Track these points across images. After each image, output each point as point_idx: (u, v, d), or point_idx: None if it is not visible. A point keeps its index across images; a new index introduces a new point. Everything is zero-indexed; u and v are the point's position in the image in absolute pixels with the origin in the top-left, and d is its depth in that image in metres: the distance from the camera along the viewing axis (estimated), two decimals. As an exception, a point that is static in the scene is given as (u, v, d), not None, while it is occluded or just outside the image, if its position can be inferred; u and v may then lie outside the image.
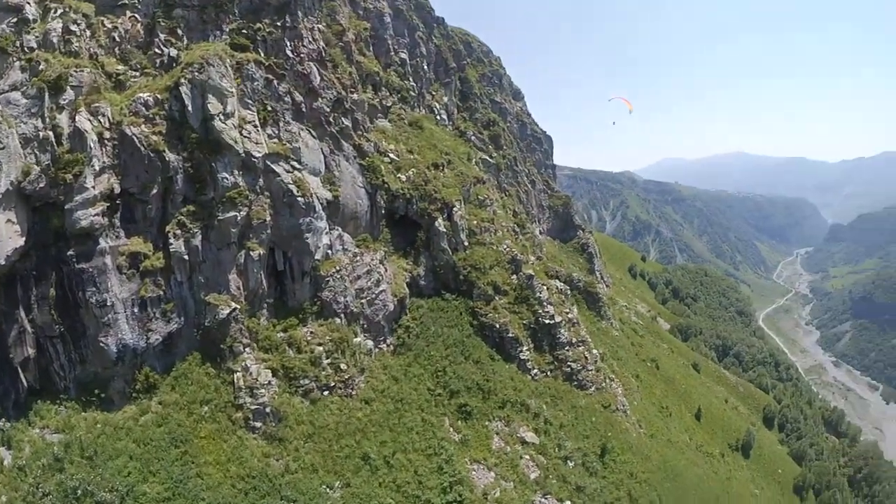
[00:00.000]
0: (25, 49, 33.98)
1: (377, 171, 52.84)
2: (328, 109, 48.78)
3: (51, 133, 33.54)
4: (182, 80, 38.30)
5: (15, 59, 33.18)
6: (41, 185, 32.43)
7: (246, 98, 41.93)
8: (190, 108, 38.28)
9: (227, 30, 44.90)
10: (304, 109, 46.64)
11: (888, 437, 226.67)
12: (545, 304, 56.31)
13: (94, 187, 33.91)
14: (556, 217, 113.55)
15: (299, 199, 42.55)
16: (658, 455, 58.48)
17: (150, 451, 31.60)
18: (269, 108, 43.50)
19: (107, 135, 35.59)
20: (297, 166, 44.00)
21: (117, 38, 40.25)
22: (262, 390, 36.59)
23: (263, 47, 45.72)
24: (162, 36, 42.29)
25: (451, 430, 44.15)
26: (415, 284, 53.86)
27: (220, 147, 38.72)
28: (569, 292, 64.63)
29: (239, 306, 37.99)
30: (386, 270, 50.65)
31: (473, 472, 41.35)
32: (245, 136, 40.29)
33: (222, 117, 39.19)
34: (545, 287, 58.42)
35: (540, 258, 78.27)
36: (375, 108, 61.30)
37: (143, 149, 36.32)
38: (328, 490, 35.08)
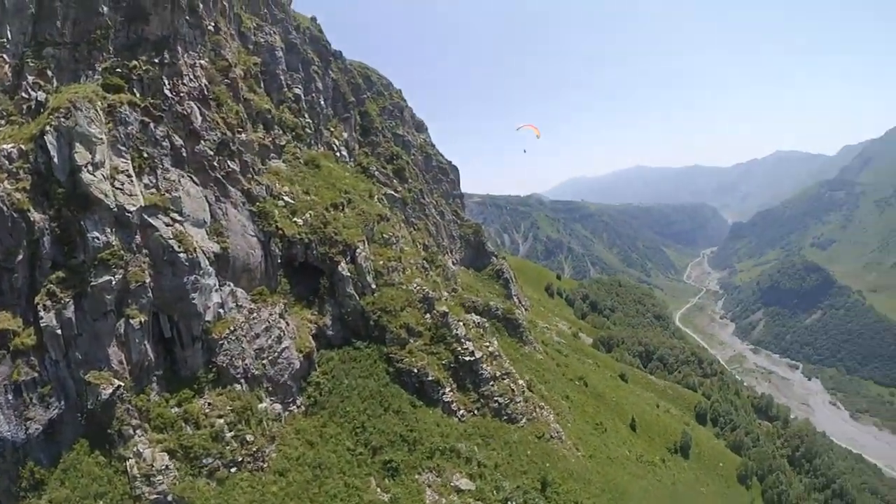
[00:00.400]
0: None
1: (270, 216, 48.95)
2: (212, 152, 44.71)
3: None
4: (47, 128, 34.15)
5: None
6: None
7: (119, 145, 37.70)
8: (56, 159, 34.24)
9: (100, 69, 40.53)
10: (184, 154, 42.49)
11: (816, 411, 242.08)
12: (463, 340, 53.68)
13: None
14: (468, 246, 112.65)
15: (181, 255, 38.27)
16: (600, 476, 56.98)
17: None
18: (146, 155, 39.34)
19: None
20: (178, 218, 39.75)
21: (-18, 83, 35.04)
22: (160, 476, 32.60)
23: (139, 87, 41.56)
24: (30, 78, 37.88)
25: (379, 490, 40.52)
26: (322, 335, 49.91)
27: (88, 202, 34.62)
28: (487, 325, 62.43)
29: (123, 383, 33.78)
30: (288, 324, 46.65)
31: (410, 532, 37.39)
32: (118, 188, 36.14)
33: (91, 168, 35.17)
34: (461, 323, 55.90)
35: (455, 290, 76.06)
36: (267, 149, 57.49)
37: (5, 209, 32.07)
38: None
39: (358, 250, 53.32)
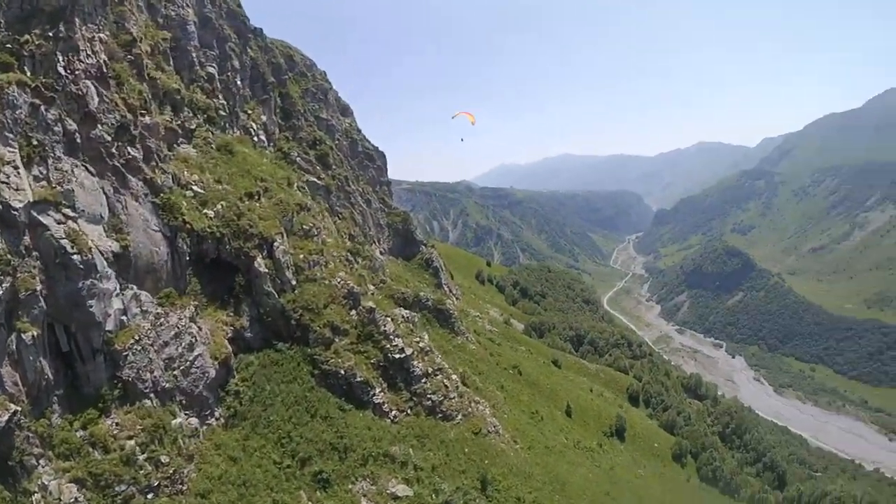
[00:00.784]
0: None
1: (176, 208, 43.27)
2: (109, 138, 38.65)
3: None
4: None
5: None
6: None
7: (6, 132, 31.55)
8: (-68, 150, 27.59)
9: (-11, 45, 33.79)
10: (78, 140, 36.31)
11: (741, 387, 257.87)
12: (392, 337, 50.35)
13: None
14: (396, 235, 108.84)
15: (75, 256, 32.64)
16: (540, 468, 55.60)
17: None
18: (35, 143, 33.25)
19: None
20: (71, 214, 33.92)
21: None
22: (69, 510, 27.44)
23: (31, 65, 35.09)
24: None
25: (311, 504, 36.76)
26: (240, 339, 45.10)
27: (-33, 200, 28.49)
28: (416, 319, 59.39)
29: (20, 407, 28.53)
30: (200, 329, 41.62)
31: (347, 546, 34.21)
32: (2, 182, 30.42)
33: (-30, 160, 28.80)
34: (389, 318, 52.53)
35: (384, 282, 72.54)
36: (175, 133, 51.50)
37: None
38: None
39: (275, 243, 48.69)
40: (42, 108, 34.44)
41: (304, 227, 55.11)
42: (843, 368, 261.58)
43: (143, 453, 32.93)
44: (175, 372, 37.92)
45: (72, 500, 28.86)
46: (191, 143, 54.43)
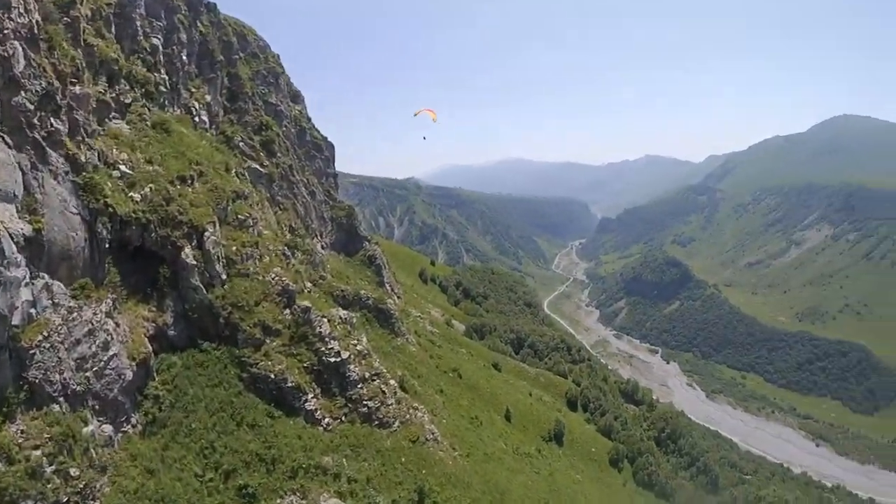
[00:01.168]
0: None
1: (98, 189, 38.48)
2: (32, 106, 33.94)
3: None
4: None
5: None
6: None
7: None
8: None
9: None
10: None
11: (675, 391, 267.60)
12: (328, 339, 47.31)
13: None
14: (339, 229, 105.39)
15: None
16: (479, 477, 54.42)
17: None
18: None
19: None
20: None
21: None
22: (-30, 530, 23.61)
23: None
24: None
25: (234, 522, 33.67)
26: (162, 336, 41.04)
27: None
28: (354, 320, 56.46)
29: None
30: (117, 325, 37.19)
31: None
32: None
33: None
34: (326, 319, 49.32)
35: (323, 277, 69.36)
36: (108, 106, 46.48)
37: None
38: None
39: (206, 233, 44.73)
40: (-38, 70, 30.12)
41: (240, 216, 51.30)
42: (773, 377, 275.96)
43: (50, 465, 29.09)
44: (87, 374, 33.78)
45: (-28, 516, 24.98)
46: (124, 119, 49.48)
